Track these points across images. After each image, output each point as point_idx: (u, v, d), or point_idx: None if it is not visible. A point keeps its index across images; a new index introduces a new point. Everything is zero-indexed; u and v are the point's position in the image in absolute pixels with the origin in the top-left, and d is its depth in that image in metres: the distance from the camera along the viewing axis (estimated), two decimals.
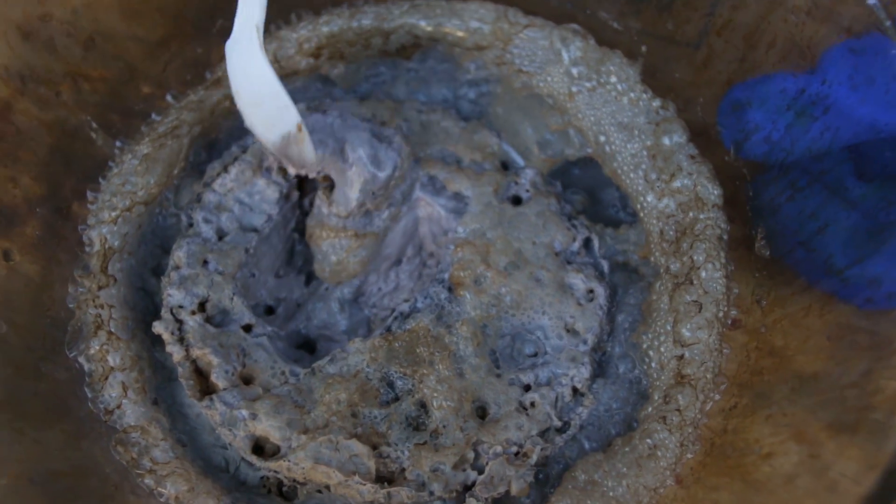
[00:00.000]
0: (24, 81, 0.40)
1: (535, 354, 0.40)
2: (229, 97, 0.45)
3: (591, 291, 0.41)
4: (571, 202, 0.44)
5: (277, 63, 0.46)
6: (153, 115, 0.44)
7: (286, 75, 0.46)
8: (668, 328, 0.39)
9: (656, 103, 0.42)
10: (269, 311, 0.44)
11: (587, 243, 0.42)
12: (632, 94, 0.42)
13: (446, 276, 0.41)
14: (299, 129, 0.37)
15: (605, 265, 0.42)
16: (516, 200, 0.43)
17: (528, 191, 0.43)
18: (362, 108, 0.44)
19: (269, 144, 0.38)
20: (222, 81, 0.46)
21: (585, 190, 0.45)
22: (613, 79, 0.43)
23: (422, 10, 0.45)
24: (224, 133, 0.46)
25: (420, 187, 0.43)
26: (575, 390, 0.39)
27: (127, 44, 0.44)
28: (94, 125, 0.42)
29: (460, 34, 0.45)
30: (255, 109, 0.36)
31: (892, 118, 0.33)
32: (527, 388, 0.39)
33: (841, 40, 0.35)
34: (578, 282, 0.41)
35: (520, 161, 0.45)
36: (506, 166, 0.45)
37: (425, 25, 0.45)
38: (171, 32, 0.45)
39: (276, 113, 0.36)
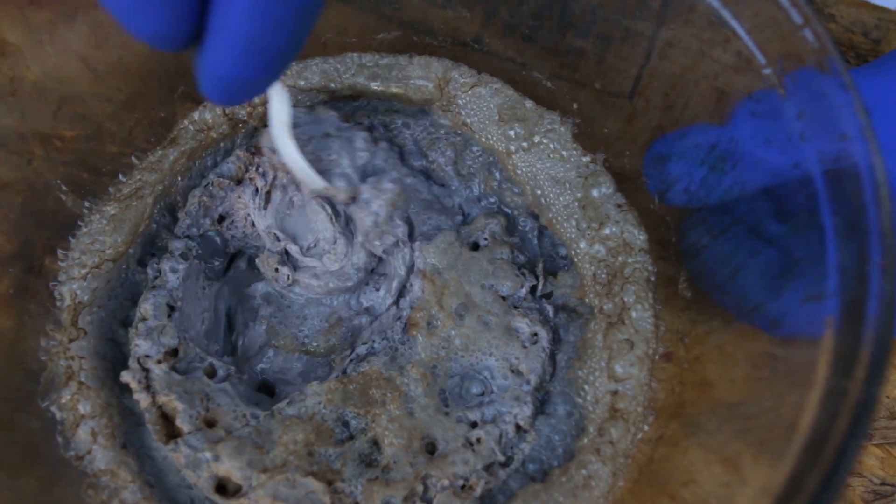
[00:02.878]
0: None
1: (483, 393, 0.43)
2: (185, 154, 0.48)
3: (535, 335, 0.44)
4: (524, 252, 0.47)
5: (228, 118, 0.49)
6: (120, 177, 0.47)
7: (236, 124, 0.49)
8: (603, 364, 0.43)
9: (586, 159, 0.46)
10: (232, 352, 0.47)
11: (533, 290, 0.45)
12: (564, 152, 0.46)
13: (405, 313, 0.44)
14: (326, 189, 0.43)
15: (549, 310, 0.45)
16: (475, 246, 0.47)
17: (486, 239, 0.46)
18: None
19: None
20: (178, 139, 0.49)
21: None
22: (546, 140, 0.46)
23: (369, 71, 0.48)
24: (181, 190, 0.49)
25: None
26: (518, 427, 0.42)
27: (95, 105, 0.46)
28: (64, 187, 0.45)
29: (406, 92, 0.48)
30: (297, 175, 0.42)
31: (790, 173, 0.36)
32: (473, 424, 0.42)
33: (745, 101, 0.39)
34: (524, 325, 0.44)
35: None
36: (510, 217, 0.48)
37: (375, 87, 0.48)
38: (136, 93, 0.48)
39: (309, 180, 0.42)
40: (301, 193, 0.45)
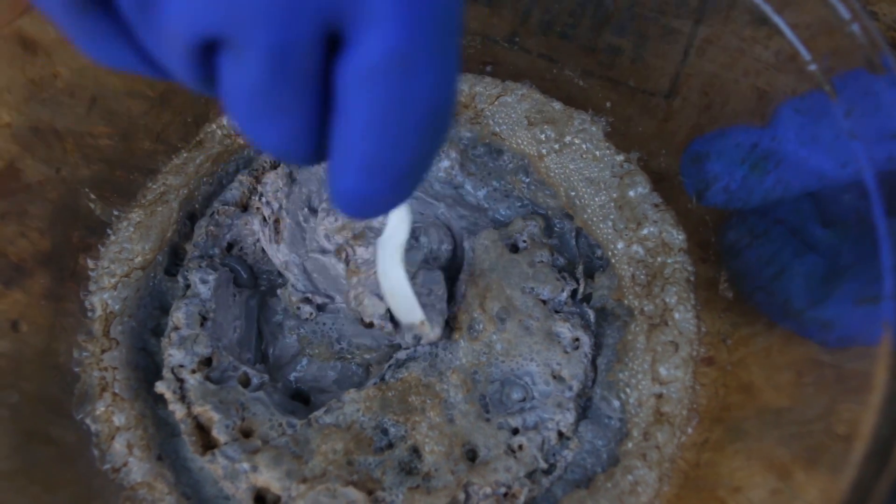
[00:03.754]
0: (31, 139, 0.42)
1: (524, 399, 0.42)
2: (210, 158, 0.47)
3: (577, 340, 0.43)
4: (563, 254, 0.47)
5: None
6: (148, 183, 0.46)
7: None
8: (646, 367, 0.42)
9: (619, 158, 0.45)
10: (262, 360, 0.47)
11: (573, 294, 0.45)
12: (597, 152, 0.45)
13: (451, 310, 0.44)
14: (421, 324, 0.42)
15: (591, 315, 0.44)
16: (514, 248, 0.46)
17: (525, 241, 0.46)
18: None
19: (403, 325, 0.43)
20: (204, 143, 0.48)
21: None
22: (578, 140, 0.45)
23: None
24: (201, 198, 0.48)
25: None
26: (560, 434, 0.41)
27: (127, 103, 0.46)
28: (92, 195, 0.44)
29: None
30: (393, 300, 0.41)
31: (838, 172, 0.36)
32: (515, 431, 0.41)
33: (788, 99, 0.38)
34: (565, 330, 0.43)
35: None
36: (546, 218, 0.48)
37: None
38: (169, 91, 0.47)
39: (406, 309, 0.41)
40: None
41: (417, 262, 0.44)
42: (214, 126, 0.48)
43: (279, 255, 0.46)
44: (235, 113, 0.24)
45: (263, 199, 0.46)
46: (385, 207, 0.27)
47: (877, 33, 0.34)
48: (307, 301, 0.46)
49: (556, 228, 0.47)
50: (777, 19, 0.37)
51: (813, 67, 0.36)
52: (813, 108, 0.37)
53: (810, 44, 0.36)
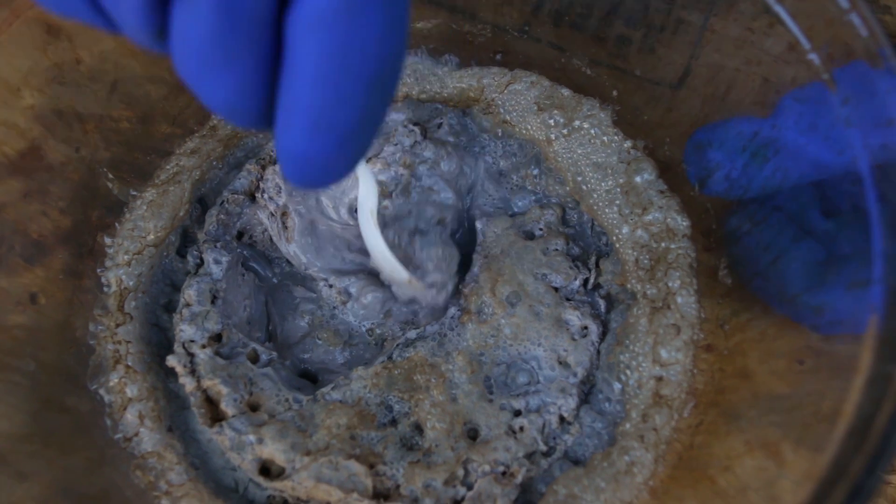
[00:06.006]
0: (53, 121, 0.44)
1: (529, 383, 0.43)
2: (222, 142, 0.49)
3: (586, 328, 0.44)
4: (578, 243, 0.47)
5: None
6: (163, 164, 0.48)
7: None
8: (647, 349, 0.42)
9: (627, 144, 0.46)
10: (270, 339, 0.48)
11: (586, 283, 0.46)
12: (605, 137, 0.46)
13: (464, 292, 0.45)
14: (409, 282, 0.43)
15: (602, 304, 0.45)
16: (529, 236, 0.47)
17: (541, 229, 0.47)
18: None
19: (395, 289, 0.45)
20: (217, 128, 0.50)
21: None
22: (587, 125, 0.46)
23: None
24: (211, 182, 0.50)
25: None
26: (562, 419, 0.42)
27: (147, 87, 0.47)
28: (111, 175, 0.46)
29: (445, 94, 0.49)
30: (377, 262, 0.43)
31: (834, 160, 0.36)
32: (517, 413, 0.42)
33: (790, 89, 0.39)
34: (574, 318, 0.44)
35: None
36: (562, 207, 0.48)
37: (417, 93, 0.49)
38: None
39: (390, 270, 0.43)
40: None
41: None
42: None
43: (302, 257, 0.47)
44: (186, 65, 0.23)
45: (266, 195, 0.47)
46: (333, 171, 0.27)
47: (874, 23, 0.35)
48: (346, 299, 0.48)
49: (572, 219, 0.48)
50: (778, 8, 0.38)
51: (812, 57, 0.37)
52: (812, 97, 0.37)
53: (810, 33, 0.37)
